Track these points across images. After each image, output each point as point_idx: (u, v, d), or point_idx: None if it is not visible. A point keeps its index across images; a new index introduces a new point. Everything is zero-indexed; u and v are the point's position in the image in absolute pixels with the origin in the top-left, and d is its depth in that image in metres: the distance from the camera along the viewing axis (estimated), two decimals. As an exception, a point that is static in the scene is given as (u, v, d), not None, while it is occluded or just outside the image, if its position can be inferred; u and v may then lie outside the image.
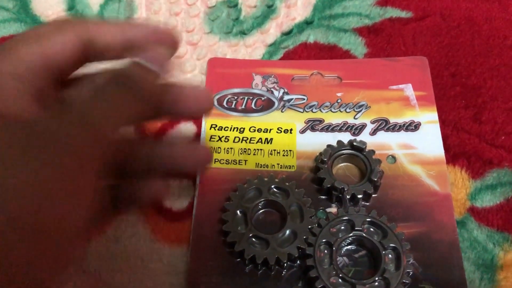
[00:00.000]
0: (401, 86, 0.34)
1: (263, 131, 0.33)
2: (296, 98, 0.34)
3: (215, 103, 0.34)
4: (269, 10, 0.38)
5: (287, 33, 0.37)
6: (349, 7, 0.37)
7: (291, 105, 0.33)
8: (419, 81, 0.34)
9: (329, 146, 0.31)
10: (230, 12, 0.38)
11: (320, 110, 0.33)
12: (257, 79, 0.34)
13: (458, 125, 0.32)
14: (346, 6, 0.38)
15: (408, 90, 0.33)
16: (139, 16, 0.38)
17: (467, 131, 0.32)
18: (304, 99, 0.34)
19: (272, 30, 0.37)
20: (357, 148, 0.30)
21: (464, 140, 0.32)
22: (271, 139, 0.32)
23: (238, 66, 0.35)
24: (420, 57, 0.35)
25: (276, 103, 0.34)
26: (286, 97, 0.34)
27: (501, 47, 0.35)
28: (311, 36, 0.36)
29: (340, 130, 0.32)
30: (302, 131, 0.32)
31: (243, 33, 0.37)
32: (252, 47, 0.36)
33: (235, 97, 0.34)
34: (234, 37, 0.37)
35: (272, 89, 0.34)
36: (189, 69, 0.36)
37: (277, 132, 0.32)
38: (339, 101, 0.33)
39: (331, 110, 0.33)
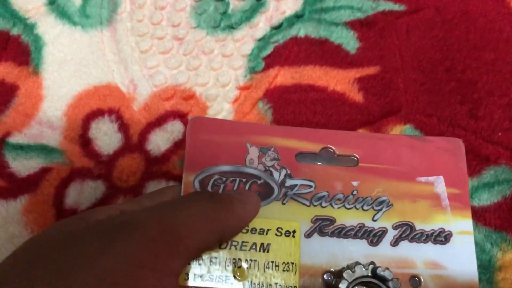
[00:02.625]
0: (430, 179, 0.28)
1: (258, 232, 0.26)
2: (301, 185, 0.27)
3: (197, 186, 0.27)
4: (258, 4, 0.36)
5: (277, 27, 0.36)
6: (341, 0, 0.36)
7: (294, 194, 0.27)
8: (453, 173, 0.28)
9: (345, 271, 0.25)
10: (218, 5, 0.36)
11: (331, 204, 0.27)
12: (253, 153, 0.28)
13: (453, 121, 0.32)
14: (337, -1, 0.36)
15: (440, 185, 0.28)
16: (123, 10, 0.36)
17: (463, 127, 0.31)
18: (311, 186, 0.27)
19: (262, 24, 0.36)
20: (381, 279, 0.25)
21: (460, 136, 0.31)
22: (269, 245, 0.25)
23: (228, 131, 0.28)
24: (454, 139, 0.29)
25: (276, 191, 0.27)
26: (288, 182, 0.27)
27: (497, 41, 0.34)
28: (301, 30, 0.35)
29: (355, 236, 0.26)
30: (308, 235, 0.26)
31: (231, 27, 0.36)
32: (241, 42, 0.35)
33: (224, 179, 0.27)
34: (222, 31, 0.36)
35: (271, 169, 0.28)
36: (175, 65, 0.34)
37: (276, 234, 0.26)
38: (354, 193, 0.27)
39: (344, 206, 0.27)
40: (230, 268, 0.25)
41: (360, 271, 0.24)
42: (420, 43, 0.34)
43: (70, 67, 0.34)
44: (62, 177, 0.31)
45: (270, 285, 0.25)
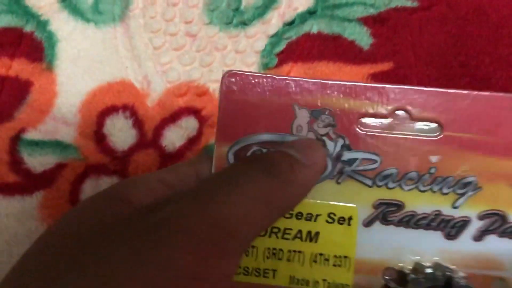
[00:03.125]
0: None
1: (305, 218, 0.21)
2: (363, 160, 0.22)
3: (231, 159, 0.22)
4: (270, 0, 0.36)
5: (290, 24, 0.36)
6: (353, -4, 0.36)
7: (353, 171, 0.22)
8: None
9: (410, 277, 0.20)
10: (230, 2, 0.36)
11: (401, 185, 0.21)
12: (301, 117, 0.22)
13: (468, 117, 0.32)
14: (350, -5, 0.36)
15: None
16: (135, 7, 0.36)
17: (478, 123, 0.31)
18: (376, 161, 0.21)
19: (274, 21, 0.36)
20: None
21: (475, 132, 0.31)
22: (317, 233, 0.21)
23: (271, 89, 0.22)
24: None
25: (329, 166, 0.22)
26: (346, 156, 0.22)
27: (510, 36, 0.34)
28: (314, 26, 0.35)
29: (428, 227, 0.21)
30: (368, 223, 0.21)
31: (244, 23, 0.36)
32: (254, 38, 0.35)
33: (264, 150, 0.22)
34: (234, 28, 0.36)
35: (325, 138, 0.22)
36: (188, 61, 0.34)
37: (327, 221, 0.21)
38: (432, 171, 0.21)
39: (417, 188, 0.21)
40: (269, 260, 0.21)
41: (429, 279, 0.20)
42: (434, 39, 0.34)
43: (84, 64, 0.34)
44: (77, 173, 0.31)
45: (317, 282, 0.20)
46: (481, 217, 0.21)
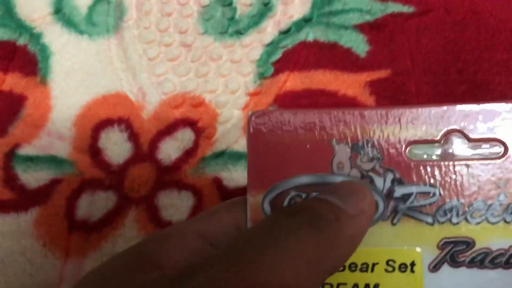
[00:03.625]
0: None
1: (360, 269, 0.18)
2: (418, 194, 0.19)
3: (267, 209, 0.20)
4: (265, 8, 0.36)
5: (285, 32, 0.35)
6: (349, 3, 0.36)
7: (409, 208, 0.19)
8: None
9: None
10: (225, 11, 0.36)
11: (467, 219, 0.18)
12: (342, 153, 0.19)
13: (467, 124, 0.31)
14: (345, 1, 0.36)
15: None
16: (129, 18, 0.36)
17: (477, 130, 0.31)
18: (434, 194, 0.19)
19: (270, 29, 0.35)
20: None
21: (474, 139, 0.30)
22: (376, 286, 0.18)
23: (303, 123, 0.20)
24: None
25: (381, 205, 0.19)
26: (399, 191, 0.19)
27: (508, 41, 0.34)
28: (310, 34, 0.35)
29: (507, 265, 0.18)
30: (434, 267, 0.18)
31: (239, 33, 0.35)
32: (249, 47, 0.35)
33: (303, 195, 0.19)
34: (230, 37, 0.35)
35: (371, 174, 0.19)
36: (184, 72, 0.34)
37: (386, 270, 0.18)
38: (501, 198, 0.18)
39: (487, 219, 0.18)
40: None
41: None
42: (431, 45, 0.34)
43: (78, 76, 0.34)
44: (72, 189, 0.31)
45: None
46: None
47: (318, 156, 0.19)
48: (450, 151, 0.19)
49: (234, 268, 0.15)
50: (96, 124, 0.32)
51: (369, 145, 0.19)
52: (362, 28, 0.35)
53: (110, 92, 0.33)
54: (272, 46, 0.35)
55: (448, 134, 0.19)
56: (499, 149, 0.19)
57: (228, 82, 0.34)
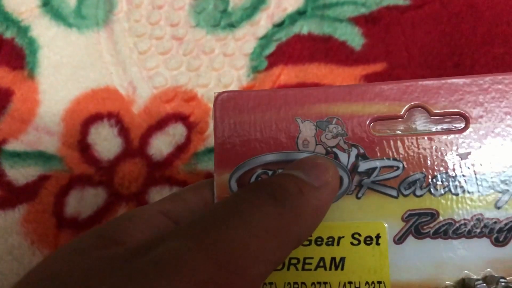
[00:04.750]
0: None
1: (326, 243, 0.19)
2: (382, 168, 0.19)
3: (234, 187, 0.20)
4: (258, 1, 0.35)
5: (279, 25, 0.35)
6: (344, -4, 0.35)
7: (374, 182, 0.19)
8: None
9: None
10: (217, 3, 0.35)
11: (430, 191, 0.19)
12: (306, 130, 0.20)
13: (464, 118, 0.31)
14: (340, -6, 0.35)
15: None
16: (120, 10, 0.35)
17: (474, 124, 0.30)
18: (398, 168, 0.19)
19: (263, 22, 0.35)
20: None
21: (471, 134, 0.30)
22: (342, 259, 0.18)
23: (269, 104, 0.20)
24: None
25: (346, 180, 0.19)
26: (363, 166, 0.19)
27: (505, 34, 0.33)
28: (304, 27, 0.34)
29: (470, 235, 0.18)
30: (399, 239, 0.19)
31: (232, 25, 0.35)
32: (242, 41, 0.34)
33: (270, 172, 0.20)
34: (222, 30, 0.35)
35: (336, 150, 0.19)
36: (175, 66, 0.33)
37: (352, 243, 0.18)
38: (464, 170, 0.19)
39: (450, 192, 0.18)
40: None
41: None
42: (427, 38, 0.33)
43: (67, 70, 0.33)
44: (61, 185, 0.30)
45: None
46: None
47: (284, 134, 0.20)
48: (413, 126, 0.19)
49: (196, 239, 0.15)
50: (85, 119, 0.32)
51: (333, 122, 0.19)
52: (357, 21, 0.34)
53: (99, 86, 0.33)
54: (265, 39, 0.34)
55: (411, 110, 0.19)
56: (461, 122, 0.19)
57: (220, 76, 0.33)
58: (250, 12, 0.35)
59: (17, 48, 0.34)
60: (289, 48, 0.34)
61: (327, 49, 0.33)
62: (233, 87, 0.33)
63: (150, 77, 0.33)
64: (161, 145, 0.31)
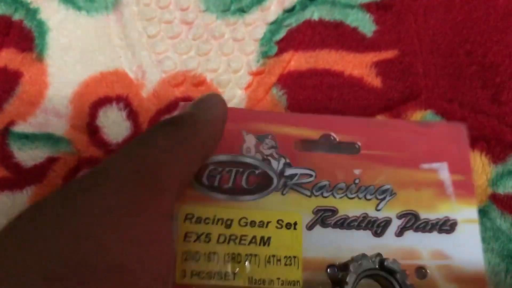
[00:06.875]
0: (434, 165, 0.27)
1: (258, 225, 0.25)
2: (301, 175, 0.26)
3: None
4: (269, -14, 0.35)
5: (290, 10, 0.34)
6: (356, -18, 0.35)
7: (294, 184, 0.26)
8: (456, 159, 0.27)
9: (351, 263, 0.23)
10: (228, -12, 0.35)
11: (333, 194, 0.26)
12: (249, 141, 0.26)
13: (475, 107, 0.30)
14: (352, -20, 0.35)
15: (443, 172, 0.27)
16: (129, -6, 0.35)
17: (486, 112, 0.30)
18: (311, 176, 0.26)
19: (273, 7, 0.34)
20: (389, 271, 0.23)
21: (483, 122, 0.30)
22: (269, 238, 0.24)
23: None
24: (457, 123, 0.28)
25: (275, 181, 0.26)
26: (288, 172, 0.26)
27: (518, 22, 0.33)
28: (315, 13, 0.34)
29: (358, 227, 0.25)
30: (310, 227, 0.25)
31: (242, 10, 0.34)
32: (253, 26, 0.34)
33: (219, 169, 0.26)
34: (232, 15, 0.34)
35: (269, 158, 0.26)
36: (184, 50, 0.33)
37: (277, 227, 0.25)
38: (357, 181, 0.26)
39: (346, 195, 0.26)
40: (229, 264, 0.24)
41: (366, 264, 0.23)
42: (439, 26, 0.33)
43: (76, 53, 0.33)
44: (69, 167, 0.30)
45: (272, 280, 0.23)
46: (399, 217, 0.26)
47: (232, 142, 0.26)
48: (324, 148, 0.27)
49: (125, 159, 0.20)
50: (94, 102, 0.31)
51: (269, 137, 0.27)
52: (368, 7, 0.34)
53: (108, 70, 0.32)
54: (276, 24, 0.34)
55: (323, 136, 0.27)
56: (357, 147, 0.27)
57: (230, 61, 0.33)
58: (261, -3, 0.35)
59: (25, 31, 0.34)
60: (300, 34, 0.33)
61: (338, 35, 0.33)
62: (243, 72, 0.32)
63: (159, 61, 0.33)
64: (170, 129, 0.31)
